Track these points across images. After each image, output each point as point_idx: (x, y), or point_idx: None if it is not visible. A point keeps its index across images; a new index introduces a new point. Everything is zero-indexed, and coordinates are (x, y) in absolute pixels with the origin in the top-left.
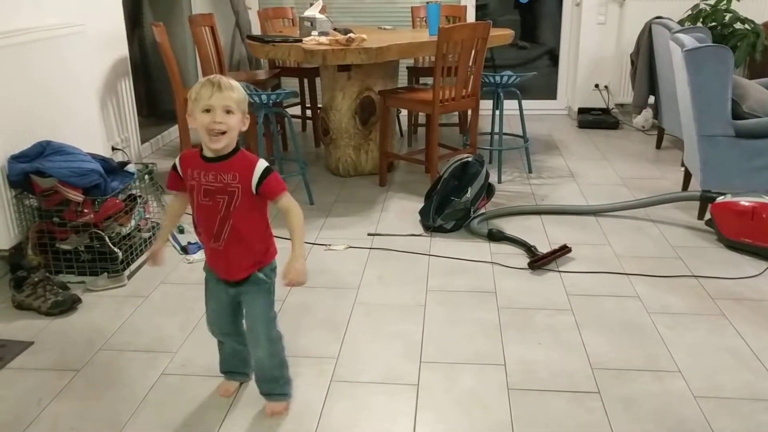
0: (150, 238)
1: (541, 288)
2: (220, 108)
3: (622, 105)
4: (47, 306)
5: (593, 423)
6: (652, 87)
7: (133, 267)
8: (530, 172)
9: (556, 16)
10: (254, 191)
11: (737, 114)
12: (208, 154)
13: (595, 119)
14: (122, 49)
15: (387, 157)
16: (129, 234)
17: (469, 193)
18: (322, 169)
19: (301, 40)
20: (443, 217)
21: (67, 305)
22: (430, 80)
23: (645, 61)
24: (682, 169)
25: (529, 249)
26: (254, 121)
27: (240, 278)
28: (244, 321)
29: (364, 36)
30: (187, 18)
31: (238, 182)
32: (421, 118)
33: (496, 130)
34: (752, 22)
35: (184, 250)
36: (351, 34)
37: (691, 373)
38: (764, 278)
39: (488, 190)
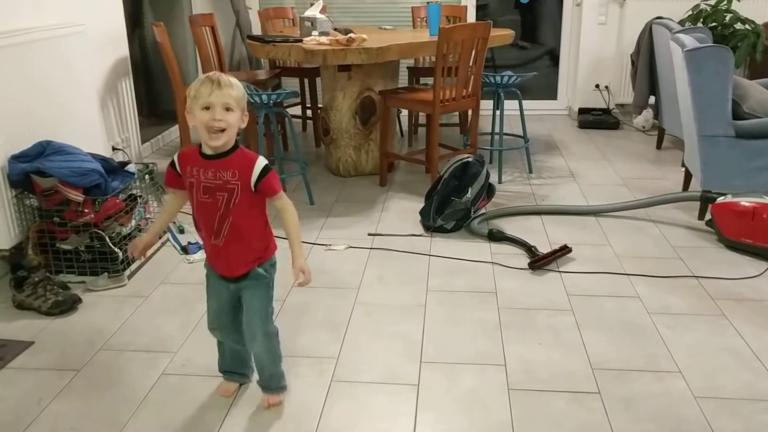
0: None
1: (542, 288)
2: (219, 105)
3: (622, 105)
4: (47, 306)
5: (593, 423)
6: (653, 87)
7: (133, 267)
8: (531, 172)
9: (556, 16)
10: (253, 188)
11: (737, 114)
12: (207, 151)
13: (595, 119)
14: (123, 49)
15: (387, 157)
16: (129, 234)
17: (470, 194)
18: (323, 169)
19: (301, 40)
20: (444, 217)
21: (68, 305)
22: (430, 80)
23: (645, 62)
24: (683, 169)
25: (529, 249)
26: (255, 121)
27: (240, 274)
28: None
29: (364, 36)
30: (187, 18)
31: (238, 179)
32: (422, 118)
33: (497, 130)
34: (753, 22)
35: (185, 250)
36: (351, 34)
37: (691, 373)
38: (765, 279)
39: (489, 191)
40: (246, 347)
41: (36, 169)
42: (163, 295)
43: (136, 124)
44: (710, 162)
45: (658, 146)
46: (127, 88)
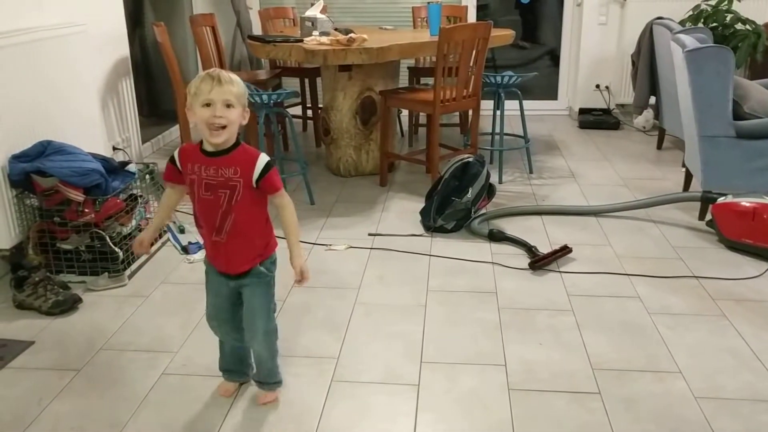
0: None
1: (542, 288)
2: (220, 102)
3: (623, 105)
4: (48, 306)
5: (594, 423)
6: (653, 87)
7: (133, 267)
8: (531, 172)
9: (557, 17)
10: (254, 185)
11: (738, 115)
12: (208, 148)
13: (596, 120)
14: (123, 48)
15: (388, 158)
16: (130, 234)
17: (470, 194)
18: (323, 169)
19: (302, 40)
20: (444, 217)
21: (68, 305)
22: (431, 80)
23: (646, 62)
24: (683, 169)
25: (529, 249)
26: (255, 120)
27: (240, 271)
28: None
29: (365, 36)
30: (188, 18)
31: (240, 177)
32: (422, 118)
33: (497, 130)
34: (753, 22)
35: (185, 250)
36: (352, 34)
37: (691, 373)
38: (765, 279)
39: (489, 191)
40: (246, 344)
41: (36, 168)
42: (164, 294)
43: (137, 124)
44: (711, 162)
45: (659, 146)
46: (127, 88)
